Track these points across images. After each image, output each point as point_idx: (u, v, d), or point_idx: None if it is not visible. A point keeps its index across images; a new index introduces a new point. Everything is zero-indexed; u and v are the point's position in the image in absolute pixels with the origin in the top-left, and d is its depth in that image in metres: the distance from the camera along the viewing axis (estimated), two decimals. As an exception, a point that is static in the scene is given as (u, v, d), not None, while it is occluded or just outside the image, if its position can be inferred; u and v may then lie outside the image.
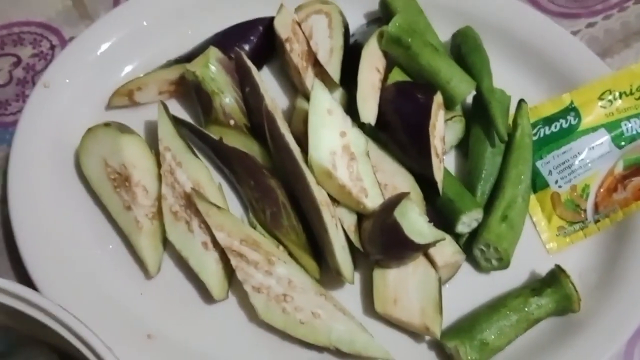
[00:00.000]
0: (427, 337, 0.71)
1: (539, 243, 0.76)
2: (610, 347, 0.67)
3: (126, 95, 0.82)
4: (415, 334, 0.71)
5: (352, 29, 0.86)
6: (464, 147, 0.80)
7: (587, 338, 0.68)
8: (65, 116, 0.80)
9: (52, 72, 0.81)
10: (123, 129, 0.76)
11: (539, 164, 0.78)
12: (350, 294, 0.73)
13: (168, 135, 0.76)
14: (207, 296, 0.71)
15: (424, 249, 0.67)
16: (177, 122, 0.78)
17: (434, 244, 0.67)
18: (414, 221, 0.67)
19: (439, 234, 0.67)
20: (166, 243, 0.74)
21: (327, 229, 0.68)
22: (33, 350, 0.58)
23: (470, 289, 0.73)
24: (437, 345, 0.70)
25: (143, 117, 0.82)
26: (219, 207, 0.71)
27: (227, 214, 0.72)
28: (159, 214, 0.74)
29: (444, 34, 0.85)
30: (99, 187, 0.75)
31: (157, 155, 0.76)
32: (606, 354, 0.67)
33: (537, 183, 0.77)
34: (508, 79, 0.82)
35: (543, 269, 0.72)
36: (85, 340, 0.51)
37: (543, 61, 0.83)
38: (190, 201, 0.72)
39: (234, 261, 0.70)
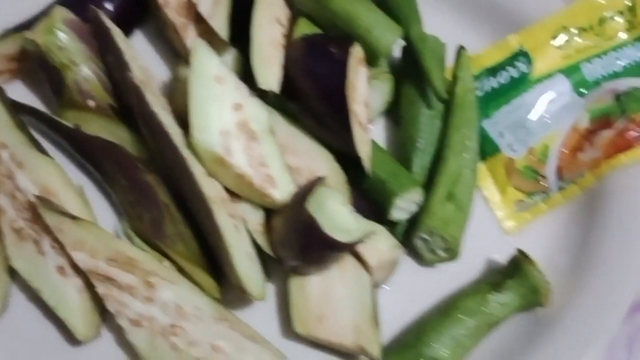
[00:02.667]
0: (364, 358, 0.55)
1: (494, 223, 0.62)
2: (588, 346, 0.54)
3: (-46, 79, 0.63)
4: (349, 355, 0.56)
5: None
6: (395, 113, 0.64)
7: (561, 337, 0.55)
8: None
9: None
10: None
11: (486, 124, 0.64)
12: (263, 313, 0.57)
13: (3, 128, 0.58)
14: (71, 337, 0.54)
15: (349, 248, 0.52)
16: (17, 108, 0.61)
17: (362, 240, 0.51)
18: (335, 213, 0.52)
19: (368, 226, 0.53)
20: (13, 271, 0.56)
21: (221, 234, 0.52)
22: None
23: (413, 289, 0.59)
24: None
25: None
26: (74, 218, 0.54)
27: (88, 226, 0.54)
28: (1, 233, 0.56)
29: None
30: None
31: (-9, 155, 0.58)
32: (584, 355, 0.54)
33: (486, 148, 0.63)
34: (441, 23, 0.67)
35: (502, 255, 0.59)
36: None
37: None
38: (37, 213, 0.54)
39: (101, 288, 0.53)
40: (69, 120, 0.60)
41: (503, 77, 0.64)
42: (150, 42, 0.69)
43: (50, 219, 0.53)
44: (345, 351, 0.55)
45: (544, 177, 0.62)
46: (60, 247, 0.54)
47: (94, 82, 0.61)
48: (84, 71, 0.61)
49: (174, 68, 0.66)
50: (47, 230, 0.54)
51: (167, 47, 0.68)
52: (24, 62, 0.64)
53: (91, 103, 0.61)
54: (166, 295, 0.53)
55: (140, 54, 0.64)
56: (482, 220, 0.62)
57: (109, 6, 0.66)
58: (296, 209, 0.51)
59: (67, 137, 0.60)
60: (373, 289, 0.54)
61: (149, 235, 0.56)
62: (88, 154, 0.60)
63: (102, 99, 0.61)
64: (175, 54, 0.67)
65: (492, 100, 0.64)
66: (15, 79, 0.65)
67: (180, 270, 0.56)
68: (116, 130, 0.60)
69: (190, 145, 0.55)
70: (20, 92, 0.65)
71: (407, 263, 0.60)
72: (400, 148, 0.63)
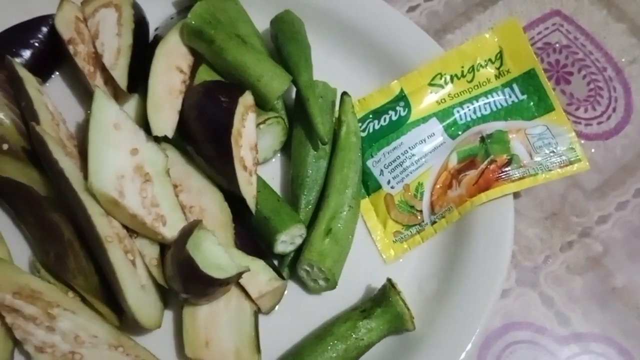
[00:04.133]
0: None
1: (374, 253, 0.68)
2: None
3: None
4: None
5: (159, 21, 0.75)
6: (288, 152, 0.70)
7: (426, 357, 0.61)
8: None
9: None
10: None
11: (369, 163, 0.69)
12: (161, 338, 0.63)
13: None
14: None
15: (226, 284, 0.58)
16: None
17: (238, 276, 0.57)
18: (211, 253, 0.57)
19: (246, 263, 0.58)
20: None
21: (114, 269, 0.58)
22: None
23: (301, 315, 0.65)
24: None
25: None
26: (-18, 256, 0.59)
27: (-6, 262, 0.59)
28: None
29: (263, 21, 0.74)
30: None
31: None
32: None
33: (370, 185, 0.69)
34: (334, 69, 0.74)
35: (380, 283, 0.64)
36: None
37: (373, 46, 0.74)
38: (-51, 250, 0.59)
39: (8, 318, 0.58)
40: (-16, 162, 0.65)
41: (385, 120, 0.69)
42: (68, 85, 0.73)
43: (-42, 256, 0.59)
44: None
45: (419, 211, 0.67)
46: (-31, 283, 0.59)
47: (9, 126, 0.65)
48: (0, 116, 0.66)
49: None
50: (-44, 266, 0.59)
51: (84, 91, 0.73)
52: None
53: (5, 146, 0.65)
54: (65, 325, 0.58)
55: (57, 96, 0.69)
56: (365, 251, 0.67)
57: (25, 53, 0.70)
58: (178, 248, 0.57)
59: (-18, 179, 0.65)
60: (254, 316, 0.60)
61: (54, 268, 0.61)
62: (1, 192, 0.65)
63: (16, 142, 0.65)
64: (90, 97, 0.72)
65: (374, 141, 0.69)
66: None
67: (84, 300, 0.61)
68: (27, 171, 0.64)
69: (87, 189, 0.60)
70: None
71: (295, 290, 0.65)
72: (290, 185, 0.68)
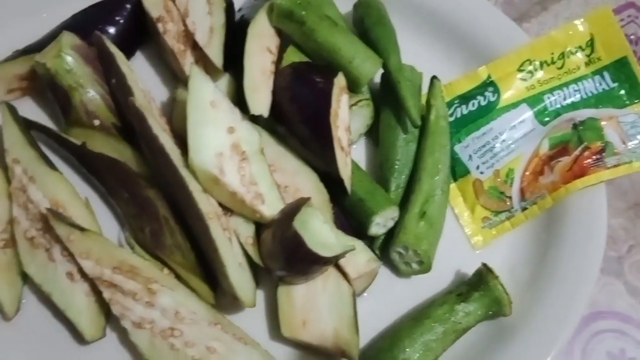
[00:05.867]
0: (344, 360, 0.61)
1: (463, 238, 0.68)
2: (548, 351, 0.60)
3: (-33, 97, 0.67)
4: (329, 357, 0.61)
5: (239, 3, 0.74)
6: (374, 135, 0.70)
7: (522, 344, 0.61)
8: None
9: None
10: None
11: (457, 148, 0.69)
12: (253, 317, 0.62)
13: (16, 145, 0.62)
14: (79, 336, 0.59)
15: (330, 262, 0.57)
16: (29, 126, 0.65)
17: (342, 255, 0.57)
18: (317, 231, 0.57)
19: (348, 243, 0.58)
20: (26, 276, 0.61)
21: (216, 246, 0.57)
22: None
23: (390, 298, 0.65)
24: (355, 368, 0.61)
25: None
26: (82, 229, 0.59)
27: (94, 236, 0.59)
28: (13, 241, 0.60)
29: (345, 5, 0.74)
30: None
31: (5, 169, 0.62)
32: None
33: (457, 170, 0.69)
34: (418, 54, 0.73)
35: (470, 268, 0.64)
36: None
37: (456, 32, 0.74)
38: (48, 224, 0.59)
39: (106, 293, 0.58)
40: (75, 137, 0.65)
41: (473, 105, 0.69)
42: (150, 64, 0.73)
43: (60, 230, 0.58)
44: (326, 353, 0.60)
45: (508, 197, 0.67)
46: (70, 255, 0.58)
47: (99, 103, 0.65)
48: (90, 93, 0.65)
49: (173, 90, 0.71)
50: (58, 239, 0.58)
51: (166, 70, 0.73)
52: (33, 81, 0.68)
53: (96, 122, 0.65)
54: (165, 300, 0.58)
55: (141, 76, 0.69)
56: (453, 235, 0.67)
57: (111, 30, 0.70)
58: (283, 225, 0.57)
59: (74, 153, 0.65)
60: (352, 298, 0.60)
61: (149, 245, 0.61)
62: (93, 169, 0.64)
63: (107, 118, 0.66)
64: (174, 76, 0.72)
65: (462, 126, 0.69)
66: (24, 97, 0.70)
67: (178, 277, 0.61)
68: (119, 147, 0.64)
69: (187, 165, 0.60)
70: (29, 109, 0.69)
71: (385, 273, 0.65)
72: (379, 168, 0.68)
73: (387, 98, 0.69)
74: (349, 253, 0.58)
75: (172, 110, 0.68)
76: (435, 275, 0.64)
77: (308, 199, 0.58)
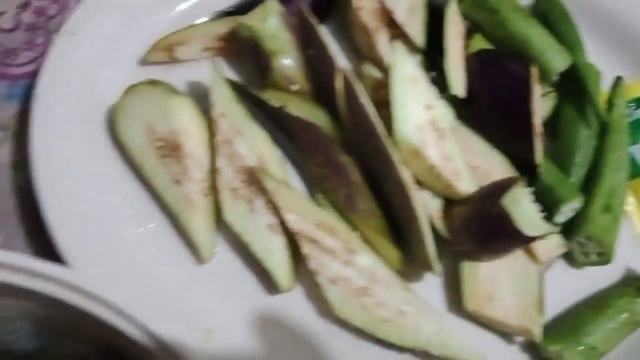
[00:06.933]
0: (519, 338, 0.63)
1: (632, 235, 0.69)
2: None
3: (166, 50, 0.71)
4: (504, 335, 0.63)
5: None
6: (550, 127, 0.71)
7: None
8: (93, 70, 0.69)
9: (79, 17, 0.69)
10: (172, 89, 0.65)
11: (633, 149, 0.70)
12: (431, 288, 0.64)
13: (224, 100, 0.65)
14: (268, 286, 0.62)
15: (531, 242, 0.59)
16: (231, 84, 0.68)
17: (544, 236, 0.59)
18: (523, 211, 0.59)
19: (551, 225, 0.59)
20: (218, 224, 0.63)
21: (417, 215, 0.59)
22: (73, 345, 0.48)
23: (561, 285, 0.65)
24: (530, 348, 0.62)
25: (183, 76, 0.71)
26: (289, 186, 0.61)
27: (298, 193, 0.62)
28: (213, 190, 0.63)
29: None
30: (140, 156, 0.64)
31: (208, 122, 0.65)
32: None
33: (632, 170, 0.70)
34: (593, 54, 0.74)
35: (638, 264, 0.66)
36: (148, 329, 0.40)
37: (629, 34, 0.76)
38: (253, 177, 0.62)
39: (306, 248, 0.60)
40: (272, 99, 0.68)
41: (649, 109, 0.71)
42: (333, 39, 0.75)
43: (269, 183, 0.61)
44: (505, 330, 0.61)
45: (683, 202, 0.69)
46: (273, 208, 0.61)
47: (297, 69, 0.68)
48: (289, 59, 0.68)
49: (355, 65, 0.74)
50: (262, 192, 0.61)
51: (348, 45, 0.74)
52: (230, 42, 0.71)
53: (294, 87, 0.68)
54: (363, 260, 0.60)
55: None
56: (624, 233, 0.67)
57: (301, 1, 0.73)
58: (489, 202, 0.59)
59: (272, 115, 0.67)
60: (540, 278, 0.62)
61: (343, 207, 0.63)
62: (289, 130, 0.67)
63: (303, 85, 0.69)
64: (356, 52, 0.74)
65: (638, 128, 0.71)
66: (217, 57, 0.73)
67: (366, 242, 0.63)
68: (315, 112, 0.67)
69: (390, 136, 0.62)
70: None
71: (558, 261, 0.66)
72: (559, 159, 0.68)
73: (570, 92, 0.70)
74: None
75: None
76: (605, 267, 0.65)
77: (518, 178, 0.60)
